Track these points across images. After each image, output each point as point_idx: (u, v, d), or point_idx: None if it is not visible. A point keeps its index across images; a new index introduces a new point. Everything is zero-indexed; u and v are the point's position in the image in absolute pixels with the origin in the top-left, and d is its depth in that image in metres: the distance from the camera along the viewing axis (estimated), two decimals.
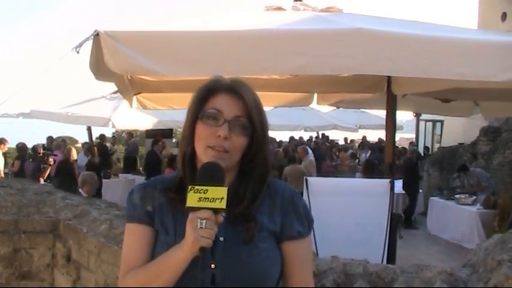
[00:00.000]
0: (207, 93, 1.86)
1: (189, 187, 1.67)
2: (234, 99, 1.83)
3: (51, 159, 13.34)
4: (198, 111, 1.84)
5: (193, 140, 1.85)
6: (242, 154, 1.84)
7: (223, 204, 1.64)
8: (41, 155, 13.51)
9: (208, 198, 1.64)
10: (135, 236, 1.89)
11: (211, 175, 1.69)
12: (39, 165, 13.12)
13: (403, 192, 13.81)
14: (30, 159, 13.49)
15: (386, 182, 6.08)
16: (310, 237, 1.97)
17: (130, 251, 1.89)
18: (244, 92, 1.84)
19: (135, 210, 1.90)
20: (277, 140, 22.95)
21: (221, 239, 1.76)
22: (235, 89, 1.85)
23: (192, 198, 1.65)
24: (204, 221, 1.62)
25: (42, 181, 12.88)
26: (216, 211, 1.64)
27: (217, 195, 1.64)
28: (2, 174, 13.07)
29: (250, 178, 1.87)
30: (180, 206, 1.76)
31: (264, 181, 1.90)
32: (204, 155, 1.79)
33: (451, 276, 2.44)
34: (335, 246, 3.83)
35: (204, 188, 1.66)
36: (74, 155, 12.81)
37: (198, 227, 1.62)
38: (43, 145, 15.79)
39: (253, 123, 1.83)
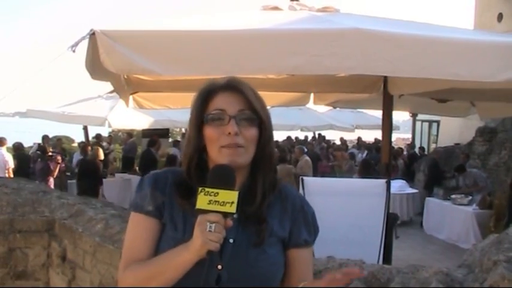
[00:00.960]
0: (205, 97, 1.85)
1: (199, 189, 1.65)
2: (233, 95, 1.82)
3: (59, 158, 13.48)
4: (200, 117, 1.83)
5: (199, 147, 1.84)
6: (256, 147, 1.83)
7: (233, 209, 1.62)
8: (49, 154, 13.59)
9: (218, 202, 1.62)
10: (140, 228, 1.85)
11: (223, 178, 1.67)
12: (48, 164, 13.18)
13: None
14: (39, 159, 13.53)
15: (382, 182, 6.07)
16: (313, 246, 1.98)
17: (134, 243, 1.85)
18: (241, 86, 1.84)
19: (143, 200, 1.86)
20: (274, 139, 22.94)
21: (231, 240, 1.75)
22: (232, 86, 1.84)
23: (202, 201, 1.63)
24: (213, 224, 1.59)
25: (51, 180, 13.01)
26: (225, 215, 1.62)
27: (228, 199, 1.62)
28: (11, 172, 13.13)
29: (260, 173, 1.87)
30: (189, 208, 1.74)
31: (274, 179, 1.91)
32: (219, 156, 1.78)
33: (447, 276, 2.44)
34: (331, 246, 3.82)
35: (215, 190, 1.63)
36: (101, 155, 12.89)
37: (207, 230, 1.59)
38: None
39: (258, 113, 1.82)
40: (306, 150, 16.02)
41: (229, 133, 1.75)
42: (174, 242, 1.75)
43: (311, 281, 1.88)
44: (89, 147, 14.50)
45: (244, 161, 1.80)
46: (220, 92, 1.84)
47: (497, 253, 2.37)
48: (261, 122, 1.83)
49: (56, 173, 13.38)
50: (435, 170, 14.19)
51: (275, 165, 1.95)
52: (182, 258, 1.67)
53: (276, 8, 5.74)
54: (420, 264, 2.71)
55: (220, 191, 1.63)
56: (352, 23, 4.63)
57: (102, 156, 13.00)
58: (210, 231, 1.59)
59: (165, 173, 1.94)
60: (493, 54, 4.52)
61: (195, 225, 1.63)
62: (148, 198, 1.85)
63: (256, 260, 1.77)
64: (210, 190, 1.64)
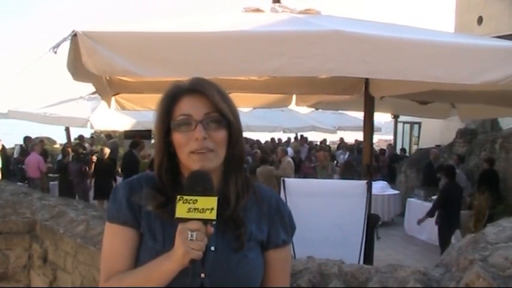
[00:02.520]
0: (170, 102, 1.81)
1: (178, 197, 1.62)
2: (198, 98, 1.78)
3: (94, 157, 13.69)
4: (166, 123, 1.80)
5: (167, 153, 1.81)
6: (226, 148, 1.81)
7: (213, 215, 1.59)
8: (82, 155, 13.67)
9: (197, 209, 1.59)
10: (118, 239, 1.81)
11: (200, 184, 1.64)
12: (84, 165, 13.24)
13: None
14: (75, 161, 13.54)
15: (363, 183, 6.12)
16: (291, 244, 1.98)
17: (113, 255, 1.80)
18: (205, 89, 1.79)
19: (119, 210, 1.81)
20: (256, 141, 22.97)
21: (212, 248, 1.73)
22: (196, 89, 1.80)
23: (181, 209, 1.60)
24: (195, 232, 1.57)
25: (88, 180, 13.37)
26: (205, 222, 1.60)
27: (207, 205, 1.59)
28: None
29: (232, 173, 1.86)
30: (168, 217, 1.70)
31: (246, 177, 1.91)
32: (189, 161, 1.75)
33: (425, 275, 2.47)
34: (312, 247, 3.85)
35: (194, 198, 1.61)
36: (108, 153, 13.05)
37: (188, 238, 1.57)
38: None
39: (225, 114, 1.78)
40: (288, 151, 16.06)
41: (197, 138, 1.73)
42: (155, 253, 1.72)
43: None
44: (70, 149, 14.47)
45: (215, 164, 1.78)
46: (185, 96, 1.80)
47: (473, 252, 2.41)
48: (229, 122, 1.80)
49: (90, 173, 13.56)
50: (430, 172, 14.24)
51: (245, 157, 1.94)
52: (165, 268, 1.64)
53: (257, 10, 5.75)
54: (400, 264, 2.74)
55: (199, 198, 1.60)
56: (333, 25, 4.65)
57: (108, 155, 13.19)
58: (191, 239, 1.57)
59: (138, 180, 1.90)
60: (472, 57, 4.56)
61: (176, 235, 1.61)
62: (124, 208, 1.81)
63: (237, 266, 1.77)
64: (189, 198, 1.61)
